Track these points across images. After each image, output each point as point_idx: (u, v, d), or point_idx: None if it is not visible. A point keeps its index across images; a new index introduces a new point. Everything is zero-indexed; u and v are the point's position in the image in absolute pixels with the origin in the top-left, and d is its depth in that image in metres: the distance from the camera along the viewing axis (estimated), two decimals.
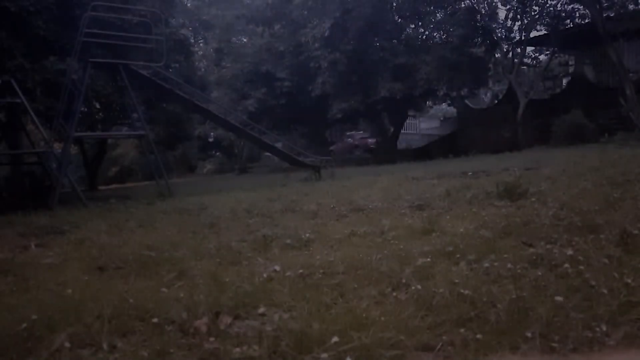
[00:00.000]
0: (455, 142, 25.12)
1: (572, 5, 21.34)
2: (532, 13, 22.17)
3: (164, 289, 2.39)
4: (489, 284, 2.07)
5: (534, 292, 1.93)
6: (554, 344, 1.56)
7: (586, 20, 20.74)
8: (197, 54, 31.28)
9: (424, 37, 25.41)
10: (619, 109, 18.26)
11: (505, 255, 2.47)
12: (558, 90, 25.00)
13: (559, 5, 21.78)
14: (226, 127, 16.61)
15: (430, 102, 31.07)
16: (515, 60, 22.78)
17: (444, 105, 33.54)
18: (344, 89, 23.06)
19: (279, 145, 19.84)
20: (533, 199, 4.22)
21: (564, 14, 21.64)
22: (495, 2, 22.70)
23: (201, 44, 37.36)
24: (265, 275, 2.50)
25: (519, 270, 2.21)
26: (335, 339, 1.56)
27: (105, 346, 1.73)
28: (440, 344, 1.64)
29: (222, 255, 3.22)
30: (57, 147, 13.67)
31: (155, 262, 3.08)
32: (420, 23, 25.09)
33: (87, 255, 3.64)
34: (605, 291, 1.85)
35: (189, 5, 38.35)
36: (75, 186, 13.14)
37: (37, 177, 18.03)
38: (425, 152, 24.19)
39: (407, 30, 25.60)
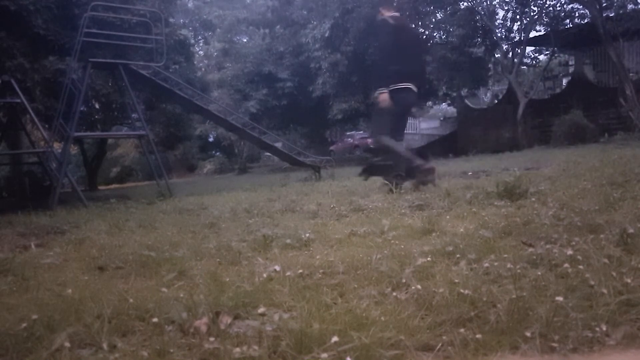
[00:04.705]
0: (455, 142, 25.14)
1: (571, 5, 21.37)
2: (532, 13, 22.19)
3: (164, 289, 2.38)
4: (489, 284, 2.06)
5: (534, 292, 1.92)
6: (554, 344, 1.55)
7: (586, 20, 20.75)
8: (197, 54, 31.32)
9: (424, 37, 25.43)
10: (619, 109, 18.26)
11: (505, 255, 2.47)
12: (558, 90, 25.01)
13: (558, 5, 21.81)
14: (226, 127, 16.63)
15: (430, 102, 31.11)
16: (515, 60, 22.79)
17: (444, 105, 33.58)
18: (344, 89, 23.11)
19: (278, 145, 19.85)
20: (533, 199, 4.21)
21: (563, 14, 21.66)
22: (494, 3, 22.75)
23: (201, 44, 37.41)
24: (265, 275, 2.49)
25: (519, 270, 2.20)
26: (335, 339, 1.56)
27: (105, 346, 1.72)
28: (440, 344, 1.64)
29: (222, 255, 3.21)
30: (57, 147, 13.69)
31: (155, 262, 3.07)
32: (420, 23, 25.11)
33: (87, 255, 3.63)
34: (605, 291, 1.84)
35: (189, 5, 38.40)
36: (75, 186, 13.14)
37: (37, 177, 18.09)
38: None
39: None
